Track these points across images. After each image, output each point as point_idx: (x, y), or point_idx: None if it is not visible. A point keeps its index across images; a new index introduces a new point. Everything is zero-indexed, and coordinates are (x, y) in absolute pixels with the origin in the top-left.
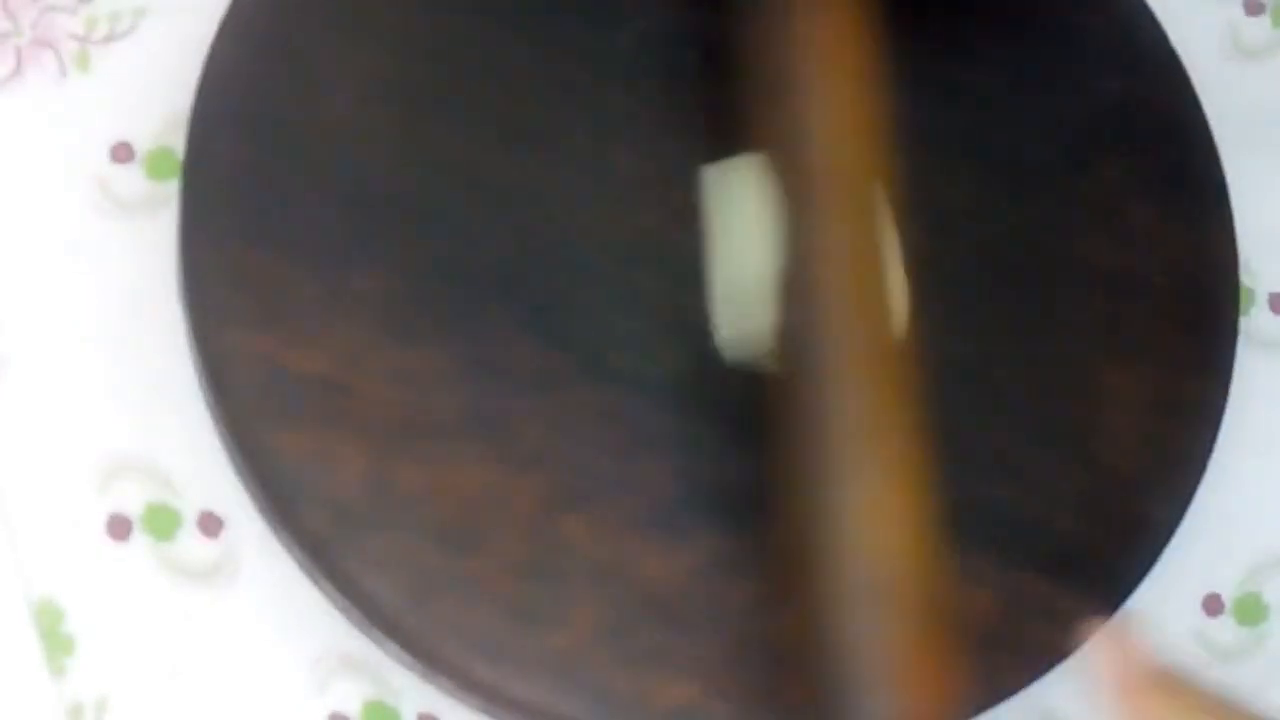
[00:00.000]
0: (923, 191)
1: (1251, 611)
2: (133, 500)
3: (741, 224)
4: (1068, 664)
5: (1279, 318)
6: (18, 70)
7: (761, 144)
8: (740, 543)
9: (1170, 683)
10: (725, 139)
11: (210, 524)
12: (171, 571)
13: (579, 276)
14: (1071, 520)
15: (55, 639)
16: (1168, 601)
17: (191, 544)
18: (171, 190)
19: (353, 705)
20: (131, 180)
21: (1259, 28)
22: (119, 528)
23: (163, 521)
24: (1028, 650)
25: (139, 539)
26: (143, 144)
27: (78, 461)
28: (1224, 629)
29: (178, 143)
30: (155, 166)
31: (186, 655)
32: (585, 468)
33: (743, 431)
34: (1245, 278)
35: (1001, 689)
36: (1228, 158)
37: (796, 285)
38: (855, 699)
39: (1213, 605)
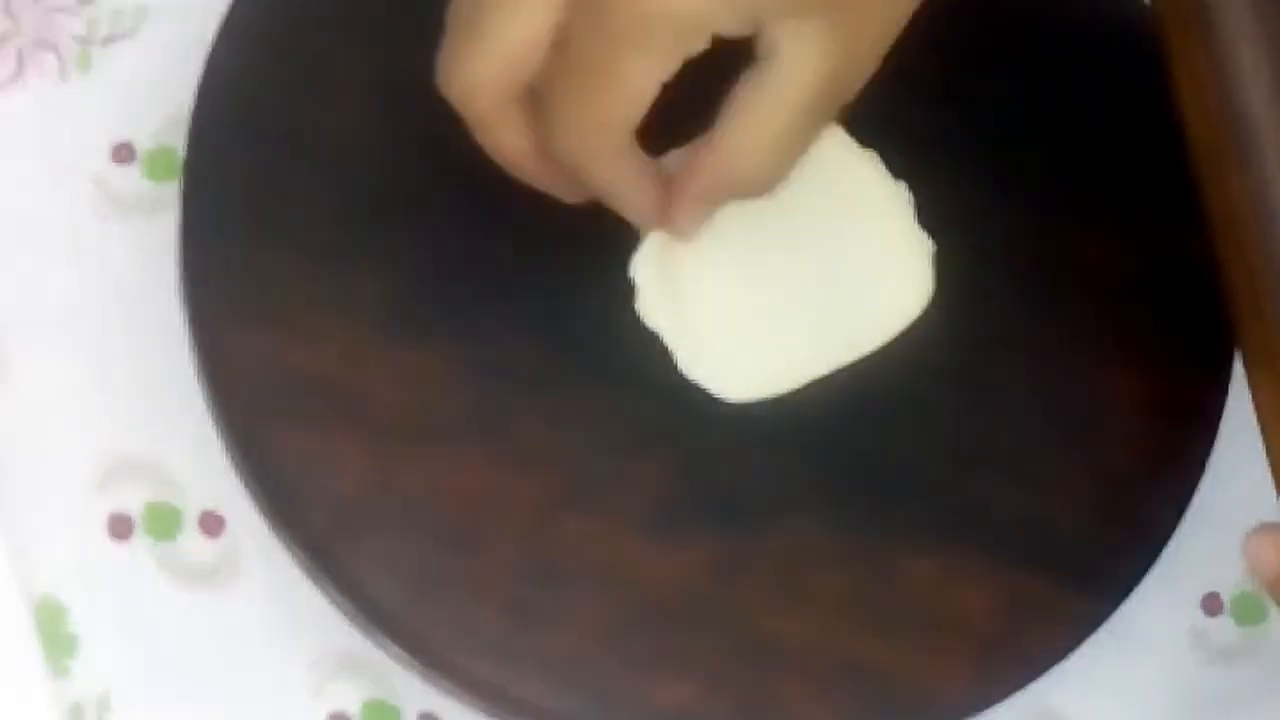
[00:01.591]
0: (922, 192)
1: (1251, 611)
2: (134, 500)
3: None
4: (1067, 663)
5: None
6: (19, 71)
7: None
8: (740, 542)
9: None
10: None
11: (211, 523)
12: (172, 571)
13: (579, 276)
14: (1071, 519)
15: (56, 639)
16: (1167, 601)
17: (192, 543)
18: (172, 190)
19: (353, 705)
20: (132, 180)
21: None
22: (120, 527)
23: (164, 521)
24: (1027, 650)
25: (140, 538)
26: (144, 144)
27: (78, 461)
28: (1223, 628)
29: (179, 143)
30: (156, 167)
31: (187, 654)
32: (586, 468)
33: (742, 431)
34: None
35: (1001, 689)
36: None
37: None
38: None
39: (1212, 604)
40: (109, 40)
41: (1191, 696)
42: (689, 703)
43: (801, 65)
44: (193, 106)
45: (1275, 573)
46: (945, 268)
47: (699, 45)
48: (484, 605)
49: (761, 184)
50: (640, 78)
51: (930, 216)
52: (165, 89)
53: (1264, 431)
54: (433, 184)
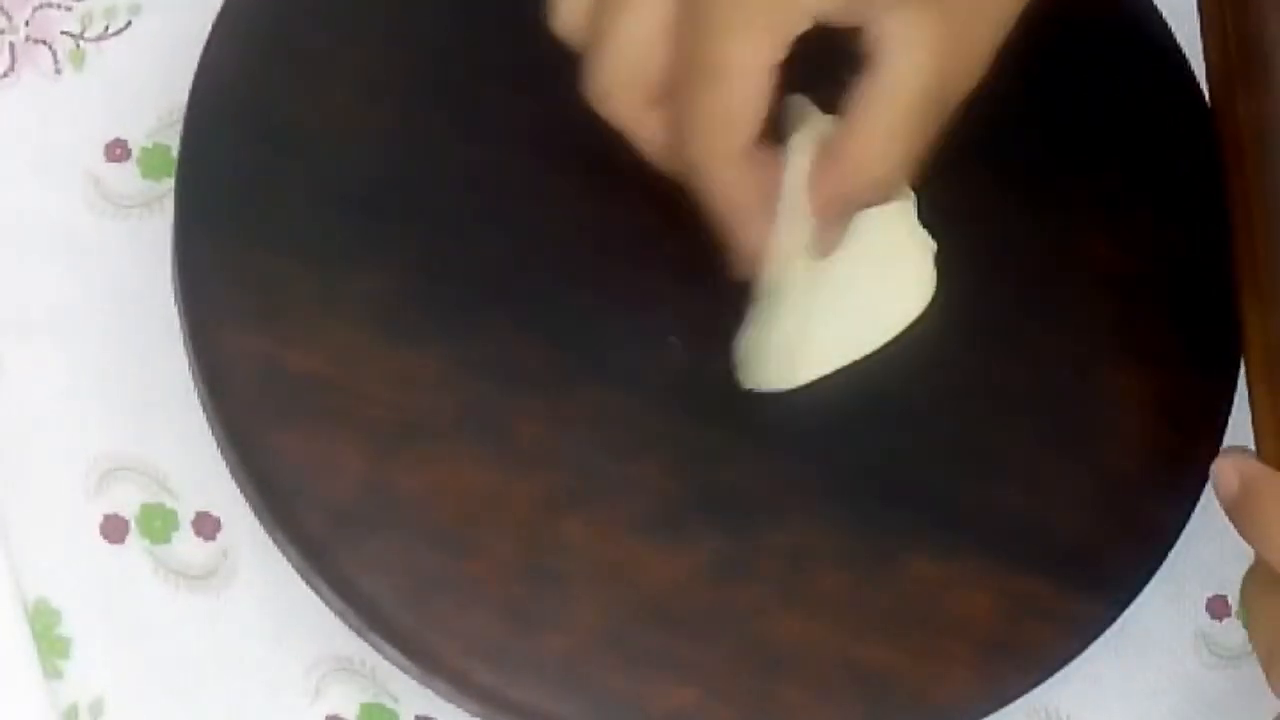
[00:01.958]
0: (925, 191)
1: None
2: (128, 501)
3: None
4: (1072, 666)
5: None
6: (12, 67)
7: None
8: (741, 544)
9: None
10: None
11: (206, 525)
12: (167, 573)
13: (579, 276)
14: (1076, 522)
15: (50, 641)
16: (1173, 604)
17: (187, 546)
18: (167, 188)
19: (350, 708)
20: (127, 178)
21: None
22: (114, 529)
23: (158, 523)
24: (1031, 653)
25: (134, 540)
26: (138, 142)
27: (72, 462)
28: (1230, 631)
29: (173, 140)
30: (151, 164)
31: (182, 658)
32: (585, 468)
33: (743, 432)
34: None
35: (1005, 693)
36: None
37: None
38: None
39: (1218, 607)
40: (103, 36)
41: (1198, 700)
42: (689, 706)
43: (911, 61)
44: (187, 103)
45: (1234, 495)
46: (947, 267)
47: (802, 23)
48: (482, 608)
49: (882, 188)
50: (744, 61)
51: (932, 215)
52: (160, 86)
53: (1248, 370)
54: (431, 183)
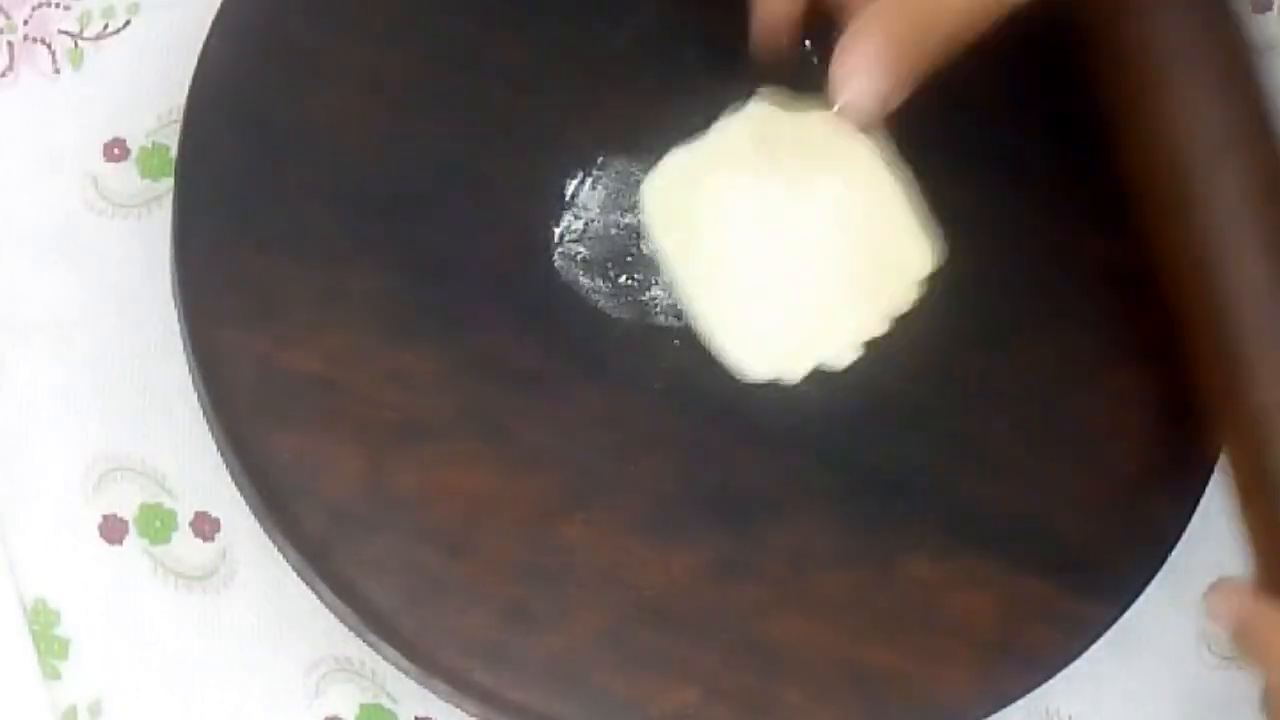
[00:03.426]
0: (927, 191)
1: None
2: (127, 502)
3: None
4: (1073, 667)
5: None
6: (11, 67)
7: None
8: (740, 544)
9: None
10: None
11: (205, 526)
12: (166, 574)
13: (577, 276)
14: (1077, 522)
15: (49, 642)
16: (1174, 605)
17: (186, 546)
18: (166, 188)
19: (349, 709)
20: (125, 178)
21: (1266, 24)
22: (113, 529)
23: (157, 523)
24: (1032, 654)
25: (133, 541)
26: (136, 141)
27: (71, 462)
28: None
29: (172, 140)
30: (149, 164)
31: (181, 659)
32: (584, 469)
33: (742, 432)
34: None
35: (1005, 693)
36: None
37: None
38: None
39: None
40: (101, 35)
41: (1199, 700)
42: (689, 707)
43: None
44: (186, 103)
45: (1234, 625)
46: (948, 265)
47: None
48: (480, 608)
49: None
50: None
51: (933, 215)
52: (158, 85)
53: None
54: (429, 182)
